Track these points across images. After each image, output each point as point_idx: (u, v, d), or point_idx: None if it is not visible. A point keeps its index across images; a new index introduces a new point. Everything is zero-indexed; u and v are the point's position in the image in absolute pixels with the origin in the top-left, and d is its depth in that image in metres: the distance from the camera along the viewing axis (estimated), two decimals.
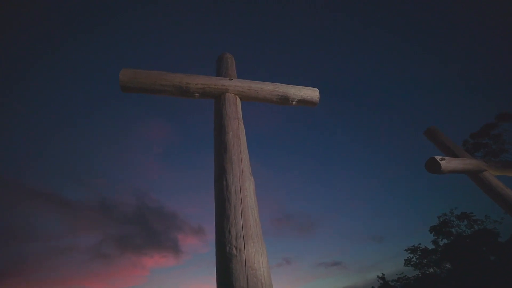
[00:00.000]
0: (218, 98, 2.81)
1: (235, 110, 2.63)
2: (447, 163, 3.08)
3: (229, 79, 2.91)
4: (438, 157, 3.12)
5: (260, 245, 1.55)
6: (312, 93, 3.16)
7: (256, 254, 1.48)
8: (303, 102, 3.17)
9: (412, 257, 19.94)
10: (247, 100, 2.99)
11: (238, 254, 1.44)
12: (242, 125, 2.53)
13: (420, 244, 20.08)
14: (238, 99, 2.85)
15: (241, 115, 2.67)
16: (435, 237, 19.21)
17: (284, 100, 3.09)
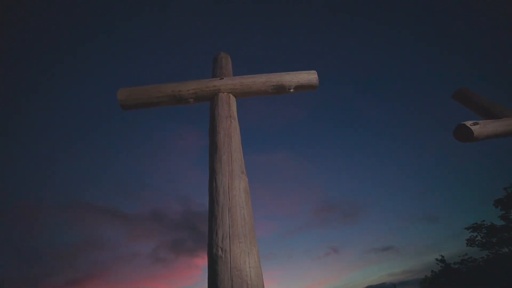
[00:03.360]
0: (212, 99, 2.82)
1: (227, 109, 2.60)
2: (481, 127, 2.60)
3: (220, 79, 2.89)
4: (469, 122, 2.66)
5: (248, 245, 1.52)
6: (309, 77, 2.96)
7: (242, 255, 1.45)
8: (301, 87, 3.00)
9: (476, 236, 17.50)
10: (242, 96, 2.94)
11: (223, 256, 1.43)
12: (235, 123, 2.50)
13: (484, 220, 17.50)
14: (232, 97, 2.82)
15: (234, 113, 2.64)
16: (503, 212, 16.53)
17: (280, 89, 2.96)
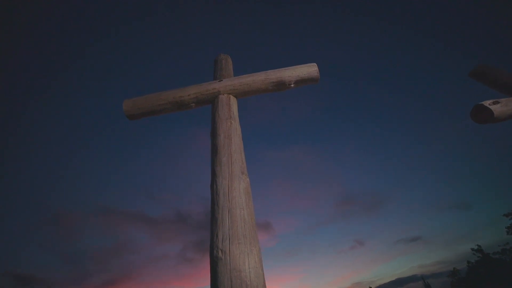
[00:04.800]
0: (213, 102, 2.84)
1: (227, 111, 2.61)
2: (503, 106, 2.36)
3: (219, 81, 2.90)
4: (487, 102, 2.43)
5: (248, 246, 1.51)
6: (309, 70, 2.88)
7: (242, 255, 1.45)
8: (302, 82, 2.93)
9: None
10: (243, 96, 2.94)
11: (223, 257, 1.44)
12: (235, 124, 2.50)
13: None
14: (232, 98, 2.83)
15: (235, 114, 2.64)
16: None
17: (281, 85, 2.91)
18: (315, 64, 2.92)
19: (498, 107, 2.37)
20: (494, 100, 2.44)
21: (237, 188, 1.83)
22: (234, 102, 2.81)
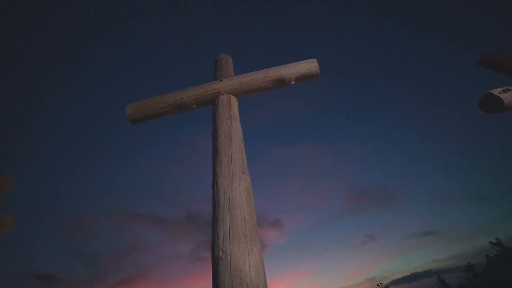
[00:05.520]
0: (213, 102, 2.85)
1: (227, 111, 2.62)
2: None
3: (219, 81, 2.91)
4: (497, 90, 2.32)
5: (249, 245, 1.52)
6: (308, 66, 2.84)
7: (242, 255, 1.45)
8: (302, 78, 2.89)
9: None
10: (243, 95, 2.94)
11: (224, 257, 1.45)
12: (235, 124, 2.50)
13: None
14: (233, 98, 2.83)
15: (235, 114, 2.64)
16: None
17: (281, 83, 2.89)
18: (314, 59, 2.88)
19: (509, 95, 2.26)
20: (505, 88, 2.33)
21: (238, 188, 1.84)
22: (234, 102, 2.81)
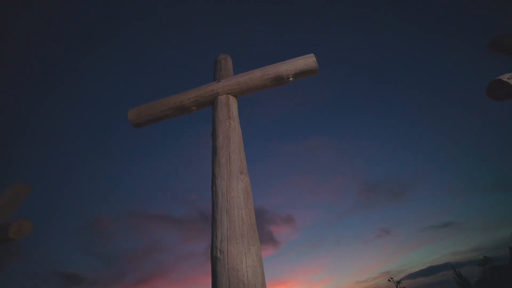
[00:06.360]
0: (213, 103, 2.87)
1: (226, 111, 2.63)
2: None
3: (217, 82, 2.92)
4: (506, 76, 2.21)
5: (246, 245, 1.53)
6: (306, 61, 2.80)
7: (239, 255, 1.47)
8: (300, 74, 2.86)
9: None
10: (242, 95, 2.94)
11: (221, 257, 1.47)
12: (234, 124, 2.51)
13: None
14: (232, 98, 2.84)
15: (234, 114, 2.65)
16: None
17: (279, 80, 2.87)
18: (312, 55, 2.84)
19: None
20: None
21: (236, 188, 1.85)
22: (233, 102, 2.81)
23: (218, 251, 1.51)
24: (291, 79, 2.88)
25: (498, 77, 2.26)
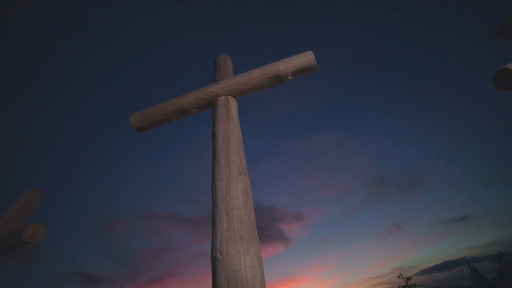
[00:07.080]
0: (213, 105, 2.90)
1: (226, 112, 2.65)
2: None
3: (217, 83, 2.94)
4: None
5: (245, 246, 1.54)
6: (304, 59, 2.78)
7: (238, 255, 1.48)
8: (299, 72, 2.83)
9: None
10: (242, 95, 2.95)
11: (221, 258, 1.50)
12: (234, 125, 2.52)
13: None
14: (231, 99, 2.85)
15: (234, 115, 2.66)
16: None
17: (278, 79, 2.86)
18: (310, 52, 2.81)
19: None
20: None
21: (235, 189, 1.87)
22: (233, 102, 2.83)
23: (218, 252, 1.53)
24: (290, 77, 2.86)
25: (505, 66, 2.17)
